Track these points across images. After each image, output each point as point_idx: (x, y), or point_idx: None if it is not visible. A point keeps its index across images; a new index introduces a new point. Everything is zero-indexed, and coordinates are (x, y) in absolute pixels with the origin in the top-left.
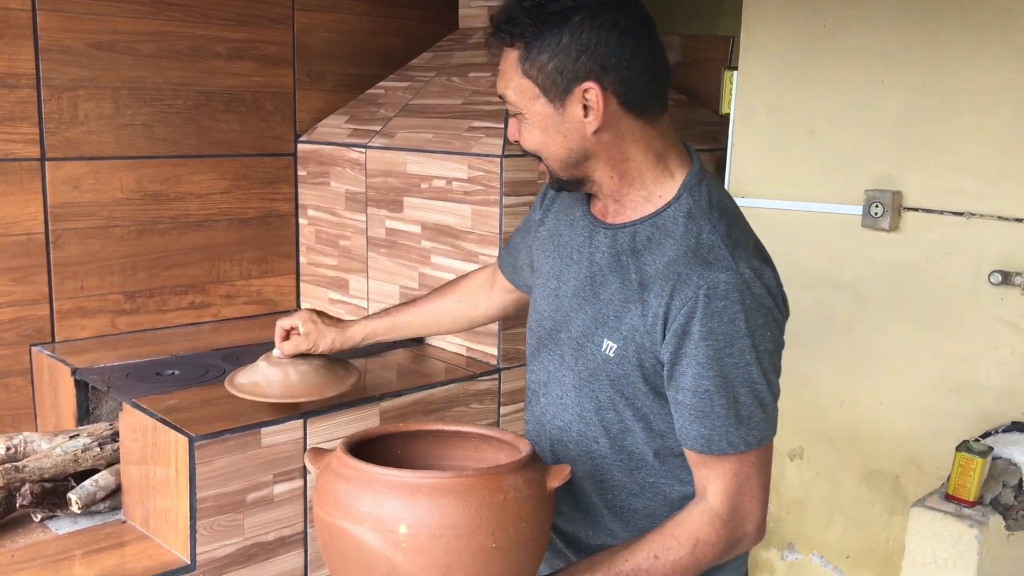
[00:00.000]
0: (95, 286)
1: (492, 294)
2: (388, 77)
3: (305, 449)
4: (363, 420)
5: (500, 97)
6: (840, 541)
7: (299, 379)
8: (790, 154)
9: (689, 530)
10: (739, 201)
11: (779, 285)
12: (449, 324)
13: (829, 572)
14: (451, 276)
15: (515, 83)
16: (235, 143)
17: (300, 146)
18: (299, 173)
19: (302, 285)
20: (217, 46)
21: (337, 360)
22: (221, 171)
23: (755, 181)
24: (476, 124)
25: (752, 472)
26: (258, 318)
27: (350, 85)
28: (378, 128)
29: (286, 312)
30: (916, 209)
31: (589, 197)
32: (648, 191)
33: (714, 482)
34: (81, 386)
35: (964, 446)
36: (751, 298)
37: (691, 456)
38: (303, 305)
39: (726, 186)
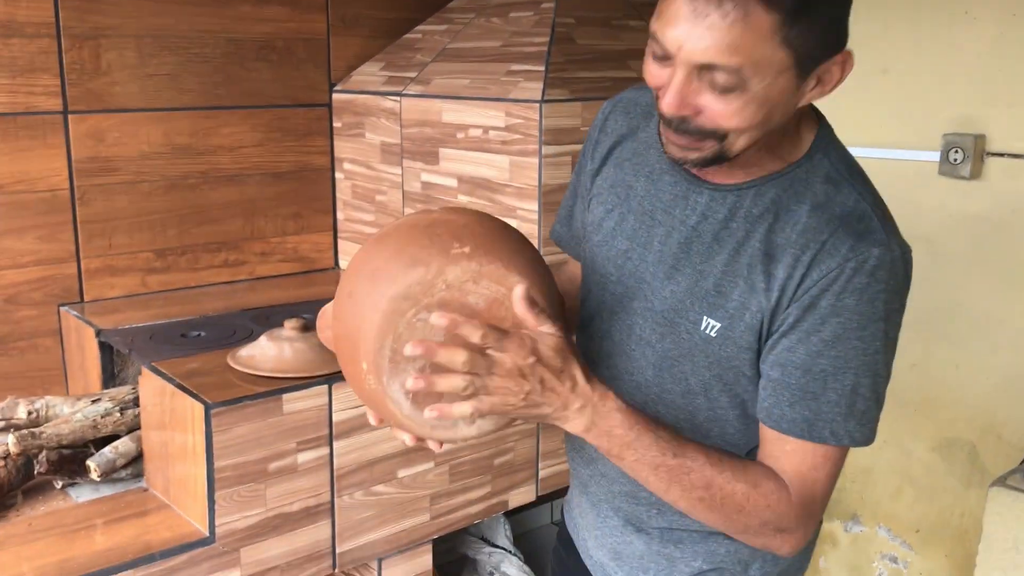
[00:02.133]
0: (124, 244)
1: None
2: (427, 20)
3: (331, 416)
4: None
5: (704, 68)
6: (909, 514)
7: (292, 355)
8: (859, 96)
9: (757, 474)
10: None
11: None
12: None
13: (897, 546)
14: None
15: (759, 54)
16: (267, 93)
17: (335, 96)
18: (334, 124)
19: (340, 243)
20: None
21: None
22: (253, 123)
23: None
24: (515, 67)
25: (830, 474)
26: (295, 276)
27: (387, 30)
28: (414, 75)
29: (323, 271)
30: (1001, 154)
31: None
32: (772, 149)
33: (789, 469)
34: (105, 348)
35: None
36: (894, 280)
37: (772, 434)
38: (342, 263)
39: None
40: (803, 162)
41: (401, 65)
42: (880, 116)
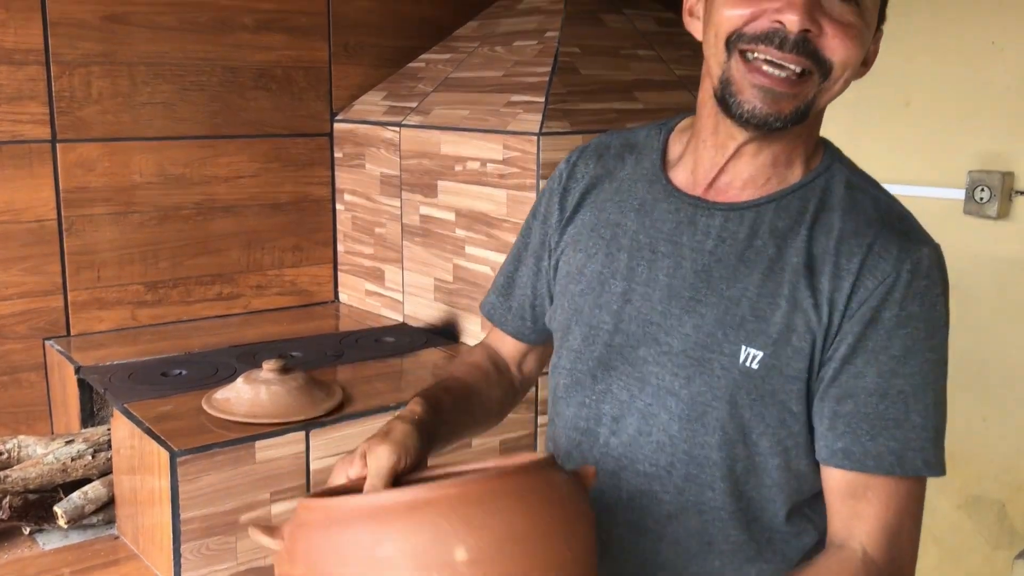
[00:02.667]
0: (113, 276)
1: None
2: (431, 49)
3: (308, 465)
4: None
5: None
6: (935, 575)
7: (268, 399)
8: (882, 129)
9: (827, 569)
10: None
11: None
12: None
13: None
14: (487, 269)
15: None
16: (265, 122)
17: (336, 125)
18: (336, 155)
19: (340, 275)
20: (243, 17)
21: (320, 382)
22: (251, 152)
23: None
24: (515, 98)
25: (915, 508)
26: (292, 310)
27: (391, 58)
28: (414, 105)
29: (322, 304)
30: None
31: (661, 171)
32: (805, 155)
33: (869, 520)
34: (85, 386)
35: None
36: (945, 279)
37: (842, 481)
38: (342, 297)
39: None
40: (821, 171)
41: (403, 95)
42: (902, 151)
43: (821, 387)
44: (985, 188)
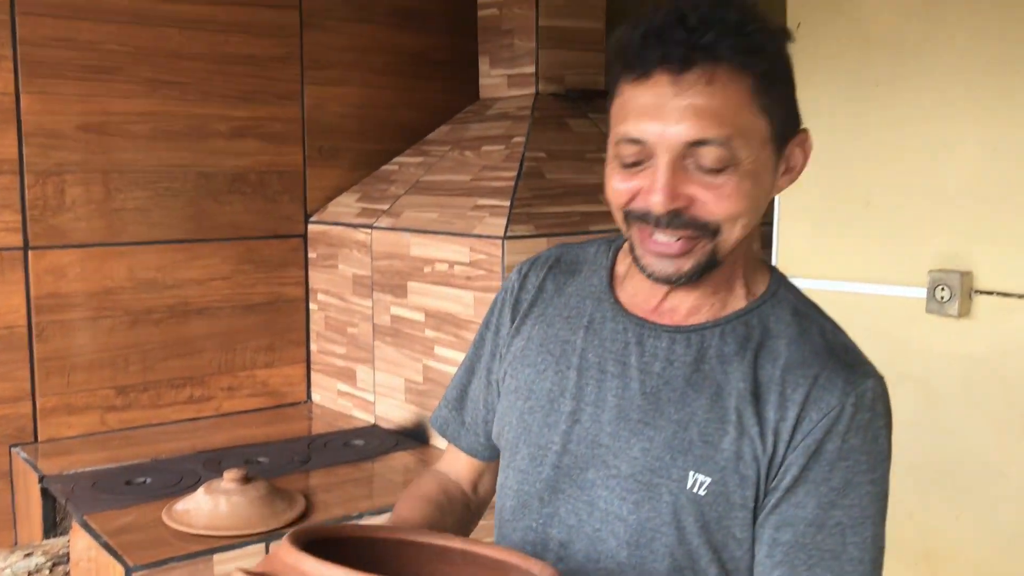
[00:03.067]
0: (82, 381)
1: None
2: (405, 152)
3: None
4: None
5: (694, 144)
6: None
7: (228, 510)
8: (843, 228)
9: None
10: None
11: None
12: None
13: None
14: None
15: (742, 122)
16: (239, 225)
17: (310, 227)
18: (309, 255)
19: (313, 375)
20: (218, 125)
21: (282, 491)
22: (224, 255)
23: (804, 259)
24: (481, 202)
25: None
26: (264, 411)
27: (366, 161)
28: (386, 207)
29: (294, 405)
30: (990, 292)
31: (609, 289)
32: (746, 285)
33: None
34: (48, 495)
35: None
36: (888, 412)
37: None
38: (315, 397)
39: (773, 263)
40: (767, 297)
41: (376, 197)
42: (865, 250)
43: (763, 514)
44: (945, 287)
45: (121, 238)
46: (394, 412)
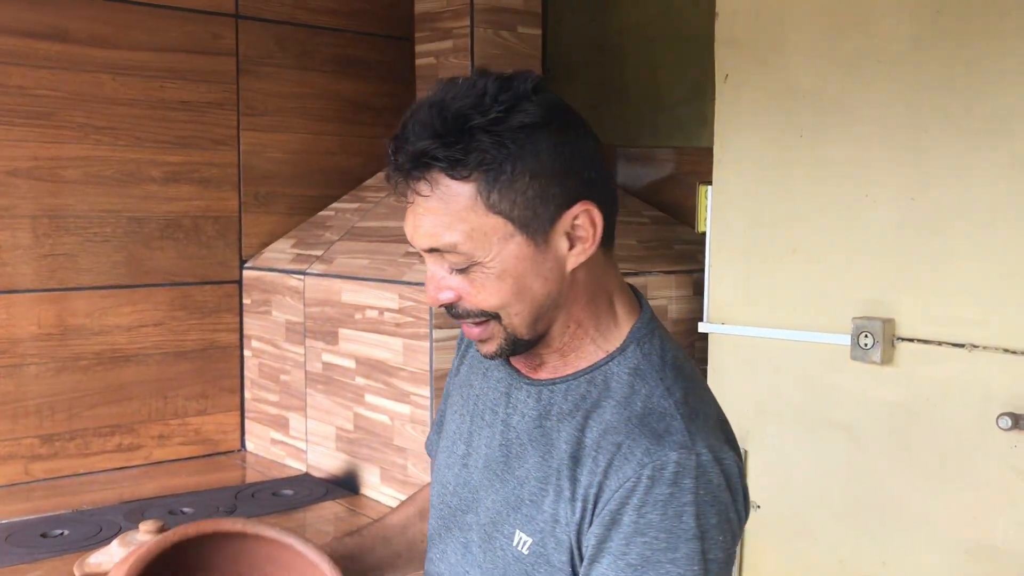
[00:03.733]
0: (6, 430)
1: None
2: (342, 198)
3: None
4: None
5: (425, 252)
6: None
7: None
8: (771, 276)
9: None
10: (717, 328)
11: (742, 475)
12: None
13: None
14: (385, 419)
15: (470, 226)
16: (172, 271)
17: (245, 272)
18: (244, 301)
19: (247, 423)
20: (151, 170)
21: None
22: (155, 301)
23: (733, 305)
24: (411, 249)
25: None
26: (195, 460)
27: (303, 206)
28: (319, 253)
29: (227, 453)
30: (911, 339)
31: None
32: (596, 342)
33: None
34: None
35: None
36: (706, 488)
37: None
38: (248, 445)
39: (704, 311)
40: (615, 355)
41: (310, 243)
42: (791, 297)
43: None
44: (868, 334)
45: (49, 284)
46: (325, 460)
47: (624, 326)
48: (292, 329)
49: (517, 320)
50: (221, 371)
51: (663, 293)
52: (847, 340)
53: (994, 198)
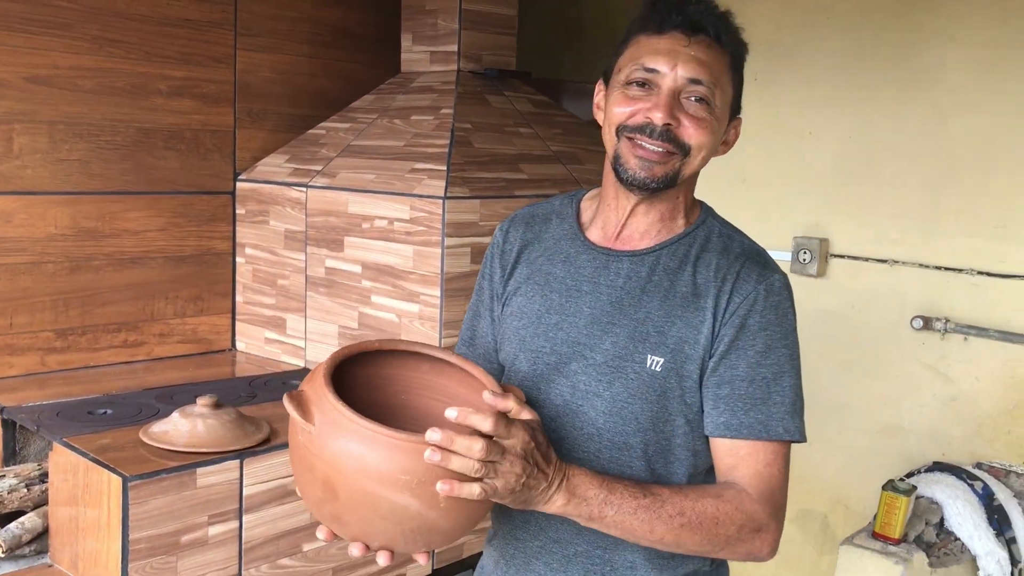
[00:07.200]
0: (25, 323)
1: None
2: (329, 118)
3: (241, 491)
4: None
5: (693, 81)
6: None
7: (205, 431)
8: (724, 201)
9: (717, 488)
10: None
11: None
12: None
13: None
14: (392, 316)
15: (722, 80)
16: (173, 180)
17: (239, 184)
18: (237, 211)
19: (238, 324)
20: (158, 83)
21: (248, 417)
22: (158, 208)
23: None
24: (419, 166)
25: (783, 470)
26: (192, 357)
27: (291, 125)
28: (319, 168)
29: (220, 352)
30: (842, 256)
31: (579, 230)
32: (685, 216)
33: (745, 470)
34: (8, 425)
35: (889, 485)
36: (792, 298)
37: (727, 447)
38: (239, 345)
39: None
40: (700, 224)
41: (306, 158)
42: (741, 219)
43: (705, 377)
44: (807, 251)
45: (64, 187)
46: (326, 355)
47: (697, 207)
48: (292, 237)
49: (695, 162)
50: (215, 276)
51: None
52: (788, 256)
53: (919, 138)
